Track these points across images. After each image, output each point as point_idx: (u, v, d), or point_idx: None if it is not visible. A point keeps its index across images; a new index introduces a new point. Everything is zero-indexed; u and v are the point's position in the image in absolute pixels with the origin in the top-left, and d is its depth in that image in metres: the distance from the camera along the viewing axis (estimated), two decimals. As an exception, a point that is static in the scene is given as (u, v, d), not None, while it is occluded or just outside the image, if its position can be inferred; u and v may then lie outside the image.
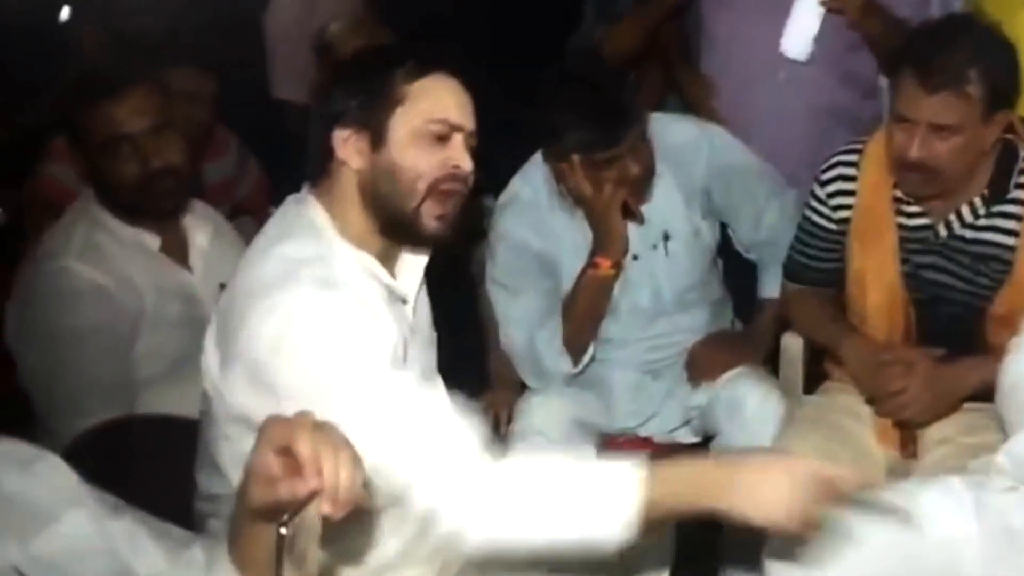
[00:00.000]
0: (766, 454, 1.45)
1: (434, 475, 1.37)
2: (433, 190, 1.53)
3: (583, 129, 2.09)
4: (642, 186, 2.22)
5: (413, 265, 1.63)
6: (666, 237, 2.31)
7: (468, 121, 1.56)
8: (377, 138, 1.51)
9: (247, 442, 1.49)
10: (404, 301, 1.61)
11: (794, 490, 1.34)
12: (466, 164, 1.55)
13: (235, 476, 1.44)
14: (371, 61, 1.60)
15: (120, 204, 2.03)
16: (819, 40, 2.52)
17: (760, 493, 1.35)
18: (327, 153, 1.54)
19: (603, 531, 1.34)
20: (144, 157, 1.98)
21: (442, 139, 1.53)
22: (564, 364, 2.27)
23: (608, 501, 1.34)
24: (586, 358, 2.29)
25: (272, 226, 1.58)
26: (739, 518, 1.35)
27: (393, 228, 1.55)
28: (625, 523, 1.34)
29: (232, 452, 1.52)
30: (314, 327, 1.41)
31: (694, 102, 2.76)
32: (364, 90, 1.52)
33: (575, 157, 2.12)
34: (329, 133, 1.53)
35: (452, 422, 1.42)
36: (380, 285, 1.56)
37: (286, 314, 1.41)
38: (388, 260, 1.59)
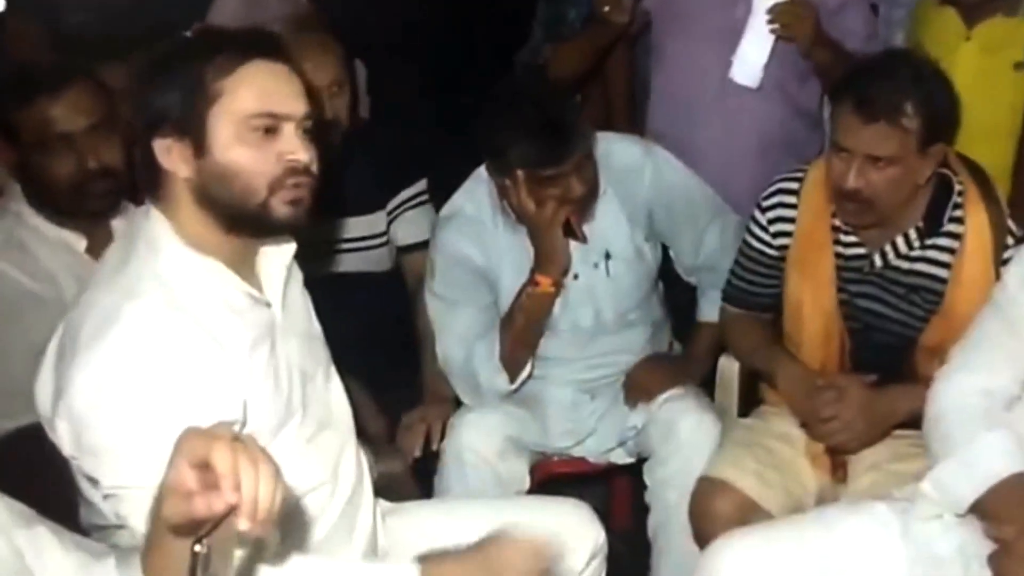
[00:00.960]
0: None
1: None
2: (276, 187, 1.42)
3: (528, 145, 2.08)
4: (585, 205, 2.23)
5: (276, 261, 1.54)
6: (607, 256, 2.32)
7: (297, 107, 1.43)
8: (199, 143, 1.39)
9: (85, 486, 1.44)
10: (268, 305, 1.52)
11: None
12: (303, 155, 1.43)
13: (105, 508, 1.40)
14: (180, 56, 1.43)
15: (51, 203, 1.99)
16: (768, 70, 2.55)
17: None
18: (152, 163, 1.42)
19: None
20: (80, 156, 1.94)
21: (270, 131, 1.41)
22: (501, 381, 2.25)
23: None
24: (523, 375, 2.28)
25: (115, 248, 1.50)
26: None
27: (242, 225, 1.44)
28: None
29: (85, 487, 1.44)
30: (132, 386, 1.32)
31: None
32: (176, 88, 1.39)
33: (519, 173, 2.12)
34: (149, 142, 1.41)
35: None
36: (235, 291, 1.46)
37: (106, 369, 1.32)
38: (244, 262, 1.50)
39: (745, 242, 2.19)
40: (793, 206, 2.09)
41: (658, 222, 2.36)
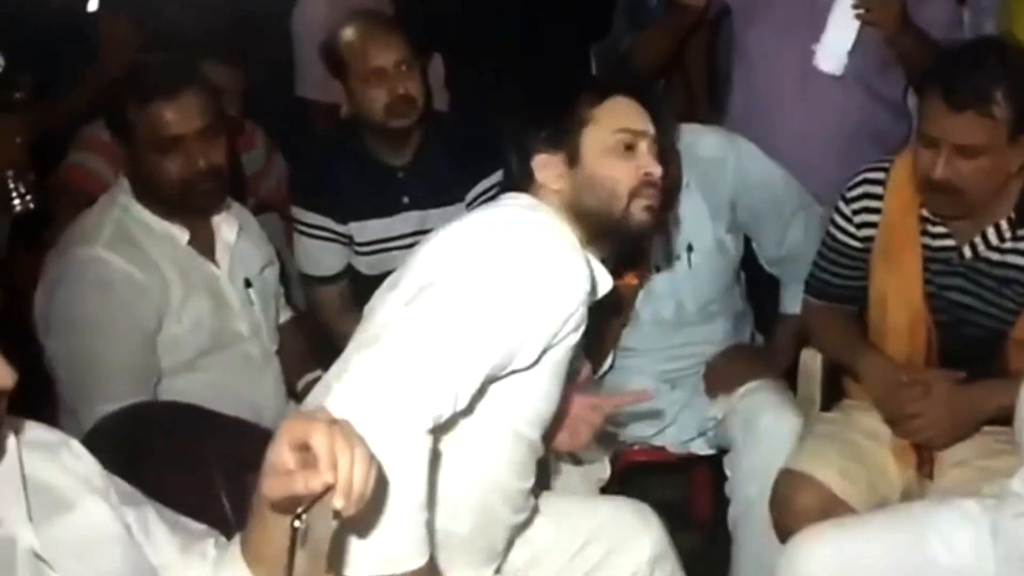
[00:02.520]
0: None
1: None
2: (633, 195, 1.64)
3: None
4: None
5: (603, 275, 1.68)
6: (690, 249, 2.31)
7: (649, 127, 1.68)
8: (572, 157, 1.64)
9: None
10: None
11: None
12: (655, 169, 1.66)
13: None
14: (552, 97, 1.73)
15: (160, 199, 2.05)
16: (851, 58, 2.51)
17: None
18: (527, 181, 1.67)
19: None
20: (190, 157, 1.99)
21: (629, 148, 1.65)
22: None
23: None
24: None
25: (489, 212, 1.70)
26: None
27: (603, 233, 1.66)
28: None
29: None
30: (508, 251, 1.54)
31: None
32: (553, 119, 1.66)
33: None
34: (526, 160, 1.66)
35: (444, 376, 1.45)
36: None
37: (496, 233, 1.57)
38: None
39: (829, 234, 2.16)
40: (879, 197, 2.06)
41: (741, 214, 2.35)
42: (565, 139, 1.65)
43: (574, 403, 1.81)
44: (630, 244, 1.73)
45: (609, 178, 1.64)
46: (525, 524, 1.77)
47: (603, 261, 1.67)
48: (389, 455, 1.24)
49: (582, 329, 1.59)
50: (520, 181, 1.68)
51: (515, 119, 1.72)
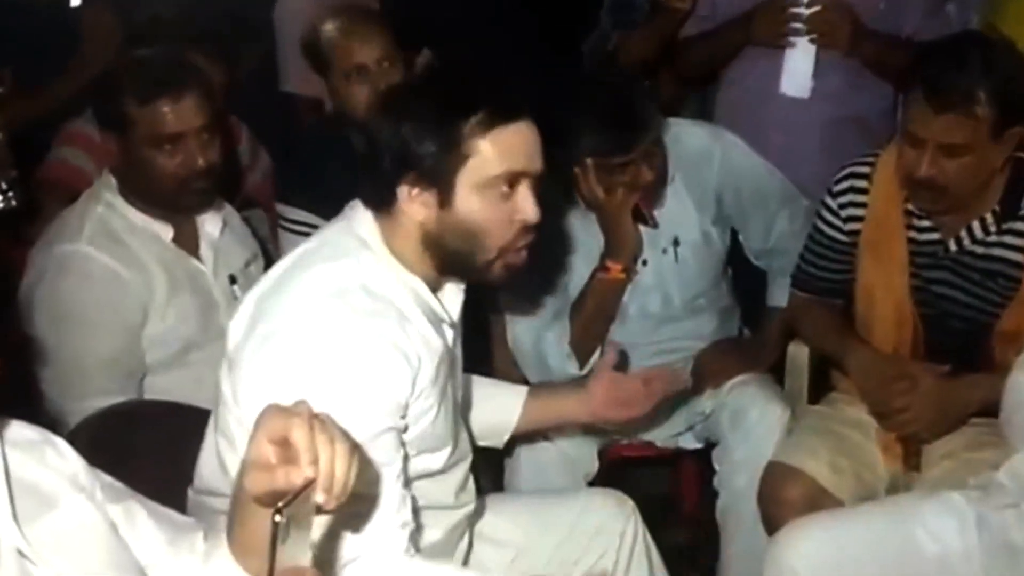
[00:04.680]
0: None
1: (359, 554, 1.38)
2: (504, 252, 1.50)
3: (599, 133, 2.09)
4: (654, 191, 2.23)
5: (455, 288, 1.60)
6: (676, 242, 2.31)
7: (537, 164, 1.50)
8: (444, 196, 1.46)
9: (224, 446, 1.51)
10: (450, 324, 1.57)
11: None
12: (533, 215, 1.49)
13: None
14: (443, 108, 1.47)
15: (151, 197, 2.03)
16: (834, 55, 2.53)
17: None
18: (389, 194, 1.48)
19: None
20: (188, 155, 1.98)
21: (510, 189, 1.47)
22: (571, 366, 2.27)
23: None
24: (592, 361, 2.29)
25: (321, 241, 1.56)
26: None
27: (457, 273, 1.54)
28: None
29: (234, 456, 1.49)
30: (336, 357, 1.39)
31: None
32: (433, 142, 1.44)
33: (588, 161, 2.12)
34: (395, 179, 1.46)
35: (398, 507, 1.43)
36: (424, 307, 1.52)
37: (313, 338, 1.40)
38: (435, 285, 1.56)
39: (815, 227, 2.17)
40: (864, 191, 2.07)
41: (727, 207, 2.36)
42: (438, 176, 1.44)
43: (620, 385, 1.82)
44: (482, 284, 1.59)
45: (482, 232, 1.47)
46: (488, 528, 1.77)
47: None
48: None
49: (430, 372, 1.49)
50: (379, 196, 1.49)
51: (397, 128, 1.47)
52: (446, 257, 1.50)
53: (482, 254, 1.49)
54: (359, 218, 1.53)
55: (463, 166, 1.44)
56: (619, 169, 2.12)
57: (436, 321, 1.54)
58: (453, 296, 1.60)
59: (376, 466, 1.39)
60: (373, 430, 1.40)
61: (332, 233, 1.56)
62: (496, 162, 1.45)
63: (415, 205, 1.47)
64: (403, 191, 1.47)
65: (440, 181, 1.45)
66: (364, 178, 1.52)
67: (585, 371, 2.29)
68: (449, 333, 1.58)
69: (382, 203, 1.50)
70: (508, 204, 1.48)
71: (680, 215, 2.31)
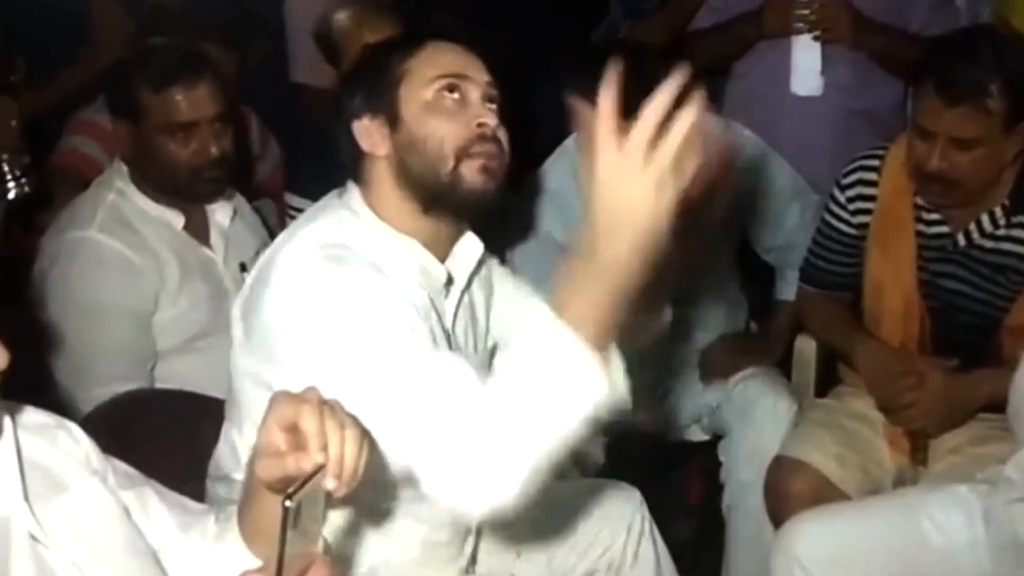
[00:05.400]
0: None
1: (435, 454, 1.30)
2: (463, 154, 1.46)
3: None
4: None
5: (466, 251, 1.58)
6: (684, 236, 2.31)
7: (477, 72, 1.51)
8: (392, 115, 1.49)
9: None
10: (450, 282, 1.55)
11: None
12: (489, 119, 1.48)
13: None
14: (368, 58, 1.58)
15: (163, 185, 2.04)
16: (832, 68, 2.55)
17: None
18: (357, 153, 1.52)
19: (592, 392, 1.24)
20: (202, 143, 1.99)
21: (456, 97, 1.48)
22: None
23: (576, 366, 1.22)
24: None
25: (308, 213, 1.58)
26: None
27: (436, 201, 1.49)
28: (600, 373, 1.23)
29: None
30: (325, 299, 1.39)
31: None
32: (367, 80, 1.52)
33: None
34: (350, 129, 1.51)
35: (456, 374, 1.34)
36: (422, 269, 1.51)
37: (298, 287, 1.41)
38: (437, 245, 1.54)
39: (824, 220, 2.17)
40: (873, 183, 2.07)
41: (736, 201, 2.35)
42: (382, 100, 1.49)
43: None
44: (468, 209, 1.51)
45: (432, 136, 1.46)
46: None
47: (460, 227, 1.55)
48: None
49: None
50: (351, 157, 1.53)
51: (348, 85, 1.57)
52: (417, 185, 1.48)
53: (443, 164, 1.46)
54: (348, 192, 1.56)
55: (402, 81, 1.49)
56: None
57: (431, 283, 1.52)
58: (466, 258, 1.58)
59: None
60: (394, 332, 1.36)
61: (321, 202, 1.59)
62: (429, 68, 1.49)
63: (374, 139, 1.50)
64: (359, 129, 1.51)
65: (384, 102, 1.49)
66: (338, 147, 1.55)
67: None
68: (455, 295, 1.56)
69: (354, 161, 1.53)
70: (461, 112, 1.48)
71: (689, 207, 2.30)
